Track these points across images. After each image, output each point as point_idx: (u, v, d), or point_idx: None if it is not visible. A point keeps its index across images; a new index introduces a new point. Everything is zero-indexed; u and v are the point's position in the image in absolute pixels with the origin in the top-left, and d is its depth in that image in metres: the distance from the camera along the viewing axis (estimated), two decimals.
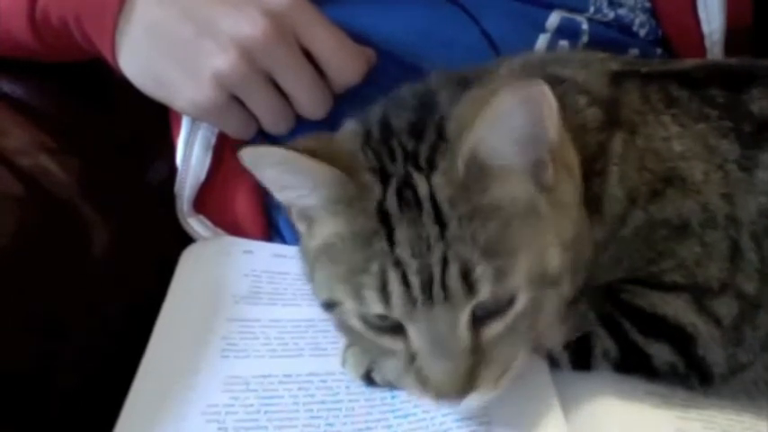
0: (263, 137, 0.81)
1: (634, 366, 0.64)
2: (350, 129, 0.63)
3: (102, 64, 0.78)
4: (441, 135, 0.57)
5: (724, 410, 0.63)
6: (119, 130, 0.86)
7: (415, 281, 0.54)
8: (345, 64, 0.75)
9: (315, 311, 0.72)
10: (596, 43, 0.80)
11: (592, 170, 0.62)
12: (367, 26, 0.78)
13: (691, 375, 0.63)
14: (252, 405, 0.64)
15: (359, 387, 0.65)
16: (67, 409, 0.68)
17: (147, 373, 0.67)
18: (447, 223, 0.54)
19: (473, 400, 0.56)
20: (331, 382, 0.66)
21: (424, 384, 0.56)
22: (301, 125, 0.78)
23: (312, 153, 0.56)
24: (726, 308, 0.62)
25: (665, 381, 0.64)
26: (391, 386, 0.64)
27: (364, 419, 0.63)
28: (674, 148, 0.63)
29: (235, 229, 0.83)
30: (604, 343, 0.64)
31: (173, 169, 0.83)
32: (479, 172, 0.55)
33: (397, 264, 0.54)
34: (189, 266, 0.78)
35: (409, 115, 0.60)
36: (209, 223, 0.84)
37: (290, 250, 0.80)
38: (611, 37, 0.82)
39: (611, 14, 0.82)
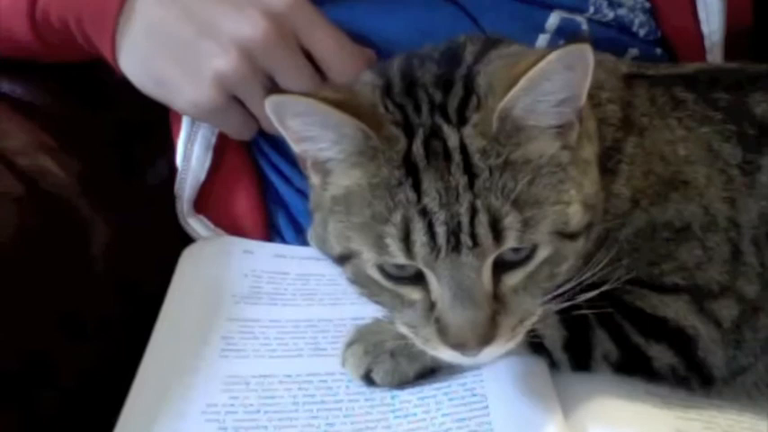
0: (264, 137, 0.81)
1: (634, 368, 0.64)
2: (368, 80, 0.62)
3: (102, 64, 0.78)
4: (469, 89, 0.57)
5: (724, 411, 0.63)
6: (119, 130, 0.86)
7: (441, 230, 0.54)
8: (345, 65, 0.75)
9: (315, 312, 0.73)
10: (596, 43, 0.80)
11: (604, 167, 0.62)
12: (367, 27, 0.78)
13: (691, 377, 0.63)
14: (252, 405, 0.64)
15: (359, 387, 0.65)
16: (67, 408, 0.68)
17: (147, 373, 0.67)
18: (477, 174, 0.54)
19: (491, 352, 0.56)
20: (331, 382, 0.66)
21: (444, 334, 0.56)
22: None
23: (338, 104, 0.56)
24: (726, 310, 0.62)
25: (666, 383, 0.64)
26: (391, 386, 0.64)
27: (364, 419, 0.63)
28: (678, 152, 0.64)
29: (235, 229, 0.83)
30: (605, 345, 0.64)
31: (173, 169, 0.83)
32: (513, 128, 0.55)
33: (423, 213, 0.55)
34: (189, 266, 0.78)
35: (434, 67, 0.60)
36: (209, 223, 0.84)
37: (290, 250, 0.80)
38: (611, 37, 0.82)
39: (611, 15, 0.82)
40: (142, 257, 0.79)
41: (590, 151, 0.60)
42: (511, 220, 0.54)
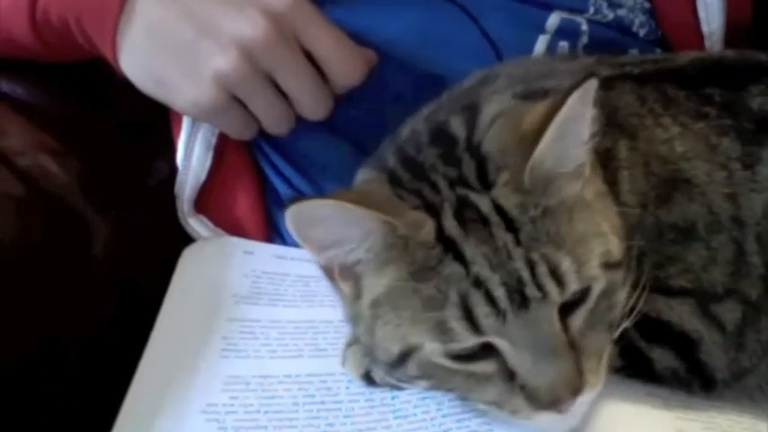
0: (264, 137, 0.81)
1: (635, 370, 0.63)
2: (369, 177, 0.61)
3: (102, 64, 0.78)
4: (480, 158, 0.56)
5: (724, 411, 0.63)
6: (119, 130, 0.85)
7: (500, 292, 0.53)
8: (346, 65, 0.75)
9: (315, 313, 0.73)
10: (596, 44, 0.80)
11: (605, 180, 0.61)
12: (367, 26, 0.78)
13: (692, 380, 0.63)
14: (251, 405, 0.64)
15: (359, 387, 0.65)
16: (67, 407, 0.68)
17: (146, 372, 0.67)
18: (519, 228, 0.54)
19: (586, 400, 0.55)
20: (331, 382, 0.66)
21: (535, 398, 0.54)
22: (301, 125, 0.78)
23: (357, 202, 0.54)
24: (730, 313, 0.62)
25: (667, 385, 0.63)
26: (391, 387, 0.64)
27: (364, 420, 0.63)
28: (676, 150, 0.63)
29: (235, 229, 0.83)
30: None
31: (173, 169, 0.83)
32: (545, 179, 0.55)
33: (477, 283, 0.53)
34: (189, 266, 0.78)
35: (432, 149, 0.59)
36: (209, 223, 0.84)
37: (290, 252, 0.80)
38: (611, 37, 0.82)
39: (611, 15, 0.82)
40: (142, 257, 0.79)
41: (599, 181, 0.60)
42: (568, 264, 0.53)
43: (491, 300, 0.53)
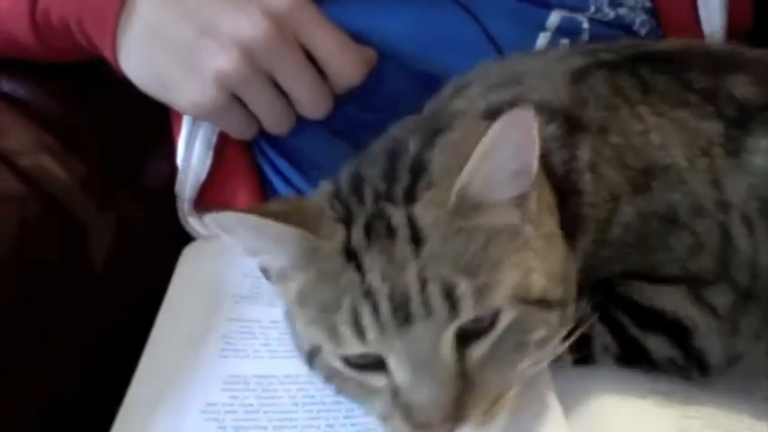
0: (264, 136, 0.81)
1: (634, 359, 0.63)
2: (323, 188, 0.61)
3: (102, 64, 0.78)
4: (418, 174, 0.56)
5: (724, 409, 0.63)
6: (119, 129, 0.86)
7: (385, 305, 0.52)
8: (346, 64, 0.75)
9: None
10: (597, 42, 0.80)
11: (567, 190, 0.61)
12: (367, 26, 0.78)
13: (689, 367, 0.63)
14: (251, 405, 0.64)
15: None
16: (66, 407, 0.68)
17: (146, 372, 0.67)
18: (425, 244, 0.53)
19: (468, 429, 0.53)
20: None
21: (408, 415, 0.53)
22: (302, 125, 0.78)
23: (276, 215, 0.55)
24: (722, 297, 0.62)
25: (665, 372, 0.63)
26: None
27: (364, 420, 0.62)
28: (652, 141, 0.62)
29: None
30: (603, 338, 0.63)
31: (173, 169, 0.83)
32: (472, 204, 0.54)
33: (368, 293, 0.53)
34: (189, 266, 0.78)
35: (380, 164, 0.59)
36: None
37: None
38: (612, 36, 0.82)
39: (612, 14, 0.82)
40: (142, 257, 0.79)
41: (553, 223, 0.59)
42: (465, 287, 0.52)
43: (377, 311, 0.52)
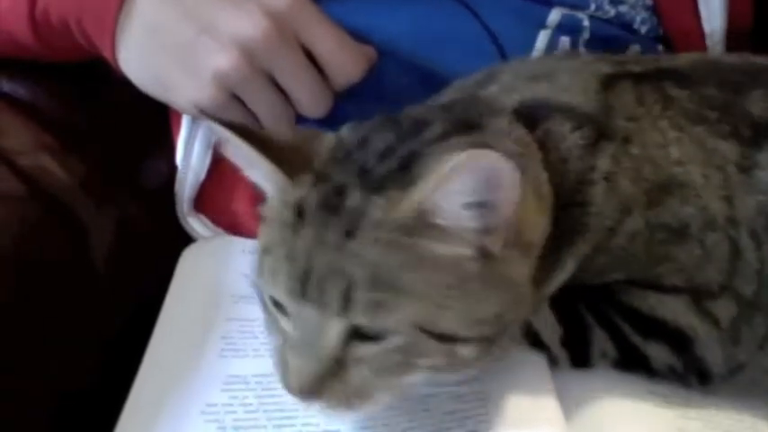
0: None
1: (633, 366, 0.63)
2: (343, 132, 0.62)
3: (102, 64, 0.78)
4: (403, 167, 0.56)
5: (724, 410, 0.63)
6: (119, 129, 0.86)
7: (295, 275, 0.55)
8: (346, 63, 0.75)
9: None
10: (597, 40, 0.80)
11: (572, 201, 0.61)
12: (367, 24, 0.78)
13: (689, 376, 0.63)
14: (251, 404, 0.64)
15: None
16: (67, 407, 0.68)
17: (147, 373, 0.67)
18: (354, 237, 0.54)
19: (321, 409, 0.56)
20: None
21: (281, 370, 0.57)
22: (302, 123, 0.78)
23: (261, 142, 0.58)
24: (725, 309, 0.62)
25: (664, 380, 0.63)
26: None
27: (363, 419, 0.62)
28: (671, 155, 0.62)
29: (234, 228, 0.83)
30: (603, 343, 0.63)
31: (173, 169, 0.83)
32: (418, 223, 0.54)
33: (290, 256, 0.55)
34: (189, 266, 0.78)
35: (390, 138, 0.59)
36: (209, 223, 0.84)
37: None
38: (613, 34, 0.82)
39: (612, 11, 0.82)
40: (142, 257, 0.79)
41: (519, 269, 0.58)
42: (361, 297, 0.53)
43: (290, 275, 0.55)
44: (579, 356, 0.64)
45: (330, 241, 0.54)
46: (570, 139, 0.62)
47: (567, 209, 0.61)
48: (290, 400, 0.63)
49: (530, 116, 0.63)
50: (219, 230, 0.83)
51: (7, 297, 0.66)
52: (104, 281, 0.75)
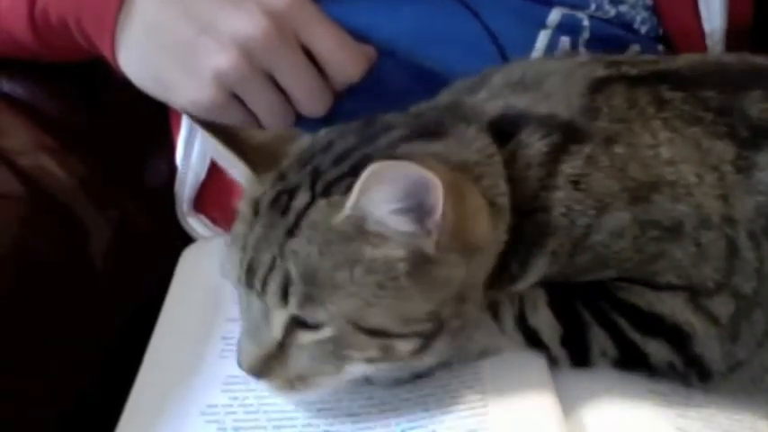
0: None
1: (633, 364, 0.63)
2: (319, 134, 0.65)
3: (102, 64, 0.78)
4: (352, 172, 0.57)
5: (724, 409, 0.63)
6: (119, 129, 0.86)
7: (243, 266, 0.59)
8: (346, 62, 0.75)
9: None
10: (598, 40, 0.80)
11: (534, 207, 0.62)
12: (367, 23, 0.78)
13: (689, 373, 0.63)
14: (251, 405, 0.64)
15: (358, 386, 0.65)
16: (67, 408, 0.68)
17: (147, 374, 0.67)
18: (295, 237, 0.57)
19: (268, 388, 0.61)
20: None
21: (238, 350, 0.61)
22: (300, 122, 0.78)
23: (244, 144, 0.63)
24: (723, 307, 0.62)
25: (665, 378, 0.63)
26: (389, 385, 0.64)
27: (363, 419, 0.62)
28: (661, 155, 0.62)
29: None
30: (602, 342, 0.63)
31: (173, 169, 0.83)
32: (352, 227, 0.57)
33: (243, 248, 0.60)
34: (189, 266, 0.78)
35: (351, 142, 0.62)
36: (209, 223, 0.84)
37: None
38: (613, 33, 0.82)
39: (613, 11, 0.82)
40: (142, 257, 0.79)
41: (457, 269, 0.59)
42: (296, 290, 0.57)
43: (240, 265, 0.60)
44: (579, 356, 0.64)
45: (273, 238, 0.58)
46: (535, 147, 0.63)
47: (531, 214, 0.62)
48: (289, 400, 0.64)
49: (508, 125, 0.64)
50: (219, 230, 0.83)
51: (7, 297, 0.66)
52: (104, 281, 0.75)
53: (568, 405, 0.61)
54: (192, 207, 0.83)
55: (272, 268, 0.58)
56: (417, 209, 0.56)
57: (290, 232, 0.58)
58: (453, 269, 0.59)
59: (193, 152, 0.82)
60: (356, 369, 0.60)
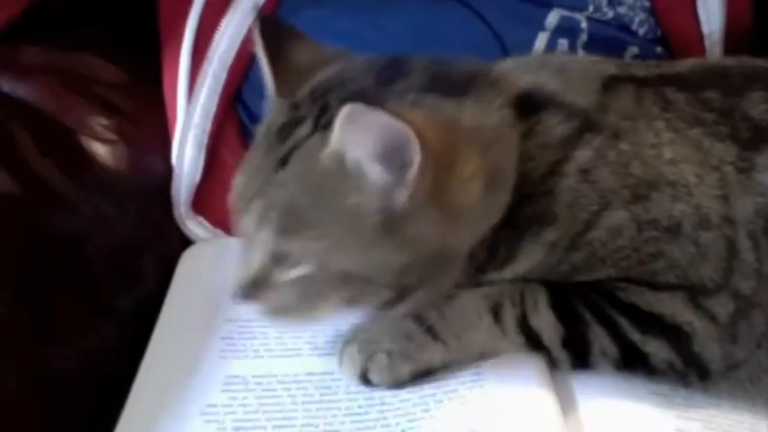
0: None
1: (633, 364, 0.64)
2: (357, 60, 0.66)
3: (103, 64, 0.77)
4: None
5: (723, 410, 0.63)
6: (119, 130, 0.85)
7: (240, 189, 0.63)
8: None
9: None
10: (596, 42, 0.81)
11: (539, 191, 0.62)
12: (369, 24, 0.78)
13: (688, 373, 0.63)
14: (250, 405, 0.64)
15: (358, 386, 0.65)
16: (67, 408, 0.68)
17: (147, 374, 0.67)
18: (285, 168, 0.60)
19: (253, 310, 0.63)
20: (329, 381, 0.66)
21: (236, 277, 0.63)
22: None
23: (270, 48, 0.66)
24: (722, 306, 0.62)
25: (664, 378, 0.64)
26: (388, 386, 0.64)
27: (363, 419, 0.63)
28: (663, 155, 0.63)
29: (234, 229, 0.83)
30: (602, 342, 0.63)
31: (171, 170, 0.83)
32: (335, 169, 0.58)
33: (244, 172, 0.63)
34: (189, 267, 0.78)
35: (367, 81, 0.63)
36: (207, 225, 0.84)
37: None
38: (611, 35, 0.82)
39: (611, 13, 0.82)
40: (142, 258, 0.79)
41: (431, 229, 0.59)
42: (274, 217, 0.59)
43: (238, 189, 0.63)
44: (579, 357, 0.64)
45: (267, 165, 0.61)
46: (556, 129, 0.64)
47: (533, 198, 0.62)
48: (289, 400, 0.64)
49: (533, 102, 0.64)
50: (219, 232, 0.83)
51: (7, 297, 0.66)
52: (104, 282, 0.75)
53: (568, 405, 0.62)
54: (190, 209, 0.83)
55: (258, 194, 0.60)
56: (394, 159, 0.56)
57: (282, 162, 0.60)
58: (428, 228, 0.59)
59: (185, 154, 0.82)
60: (329, 307, 0.62)
